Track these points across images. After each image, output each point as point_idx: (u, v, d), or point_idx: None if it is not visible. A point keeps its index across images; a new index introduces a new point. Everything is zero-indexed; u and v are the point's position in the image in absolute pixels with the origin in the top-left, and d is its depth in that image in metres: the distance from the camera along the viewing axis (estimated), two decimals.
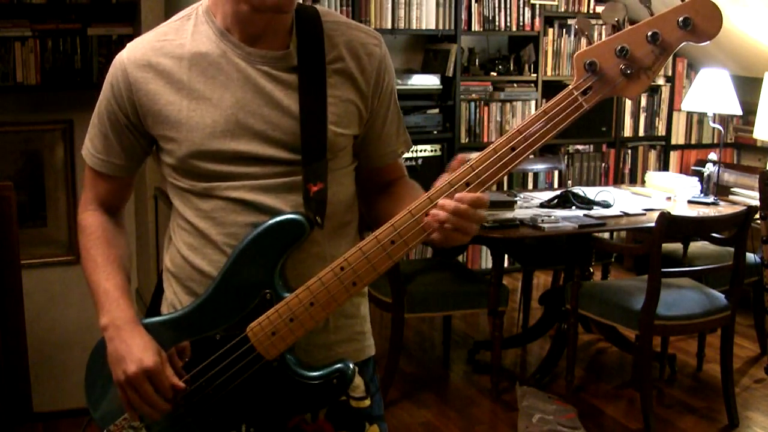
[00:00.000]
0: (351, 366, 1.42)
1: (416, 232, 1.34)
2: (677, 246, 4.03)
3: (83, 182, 1.59)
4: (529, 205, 3.96)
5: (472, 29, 5.23)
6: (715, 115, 4.70)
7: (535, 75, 5.45)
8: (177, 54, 1.42)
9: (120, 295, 1.46)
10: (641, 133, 5.82)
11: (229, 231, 1.43)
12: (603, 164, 5.74)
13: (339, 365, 1.42)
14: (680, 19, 1.26)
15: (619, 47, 1.28)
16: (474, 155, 1.35)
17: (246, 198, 1.41)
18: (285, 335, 1.40)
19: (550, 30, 5.46)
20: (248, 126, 1.40)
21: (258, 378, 1.43)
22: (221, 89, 1.41)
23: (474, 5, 5.20)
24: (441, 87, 5.13)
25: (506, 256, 4.70)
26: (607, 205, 3.96)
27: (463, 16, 5.17)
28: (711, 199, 4.19)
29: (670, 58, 5.73)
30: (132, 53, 1.44)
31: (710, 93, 4.47)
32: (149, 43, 1.44)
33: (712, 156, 4.57)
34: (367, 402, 1.56)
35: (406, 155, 1.79)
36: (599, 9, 5.55)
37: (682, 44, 1.28)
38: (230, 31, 1.42)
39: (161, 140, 1.45)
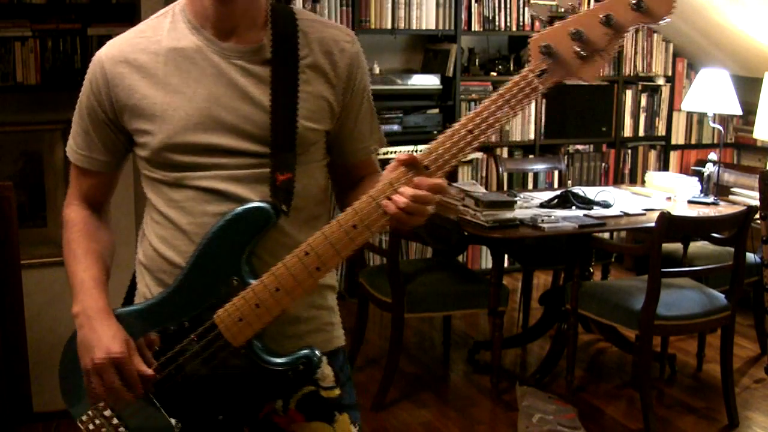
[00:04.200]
0: (317, 353, 1.44)
1: (378, 217, 1.37)
2: (677, 246, 4.03)
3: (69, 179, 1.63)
4: (529, 205, 3.96)
5: (472, 29, 5.23)
6: (715, 115, 4.70)
7: None
8: (153, 50, 1.46)
9: (94, 286, 1.50)
10: (641, 133, 5.82)
11: (199, 220, 1.45)
12: (603, 164, 5.74)
13: (305, 351, 1.44)
14: (633, 0, 1.29)
15: (574, 30, 1.30)
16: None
17: (216, 187, 1.44)
18: (251, 321, 1.42)
19: None
20: (221, 119, 1.44)
21: (226, 365, 1.45)
22: (195, 83, 1.44)
23: (474, 5, 5.20)
24: (441, 87, 5.14)
25: (506, 256, 4.70)
26: (607, 205, 3.96)
27: (463, 16, 5.17)
28: (711, 199, 4.19)
29: (670, 57, 5.74)
30: (109, 50, 1.49)
31: (710, 93, 4.47)
32: (126, 41, 1.49)
33: (712, 156, 4.57)
34: (337, 392, 1.58)
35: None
36: None
37: (635, 25, 1.31)
38: (204, 27, 1.46)
39: (136, 134, 1.48)
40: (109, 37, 4.16)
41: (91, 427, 1.54)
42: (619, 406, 3.70)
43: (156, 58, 1.45)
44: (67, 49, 3.78)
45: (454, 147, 1.35)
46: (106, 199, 1.63)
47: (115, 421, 1.52)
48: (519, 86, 1.33)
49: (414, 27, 5.09)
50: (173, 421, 1.49)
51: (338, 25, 1.58)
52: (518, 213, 3.71)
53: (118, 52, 1.48)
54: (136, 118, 1.46)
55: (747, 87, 5.08)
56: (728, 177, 4.94)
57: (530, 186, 5.52)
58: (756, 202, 3.65)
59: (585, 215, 3.77)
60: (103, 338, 1.44)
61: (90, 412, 1.53)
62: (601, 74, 5.63)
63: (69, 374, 1.56)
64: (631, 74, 5.72)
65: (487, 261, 5.43)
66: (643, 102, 5.78)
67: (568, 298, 3.63)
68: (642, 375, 3.40)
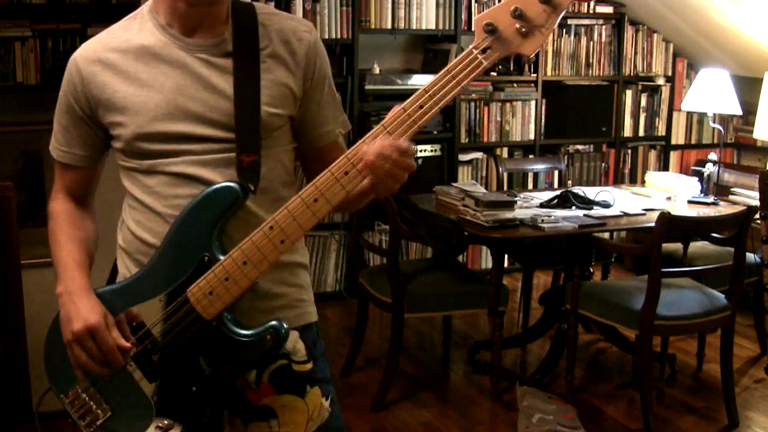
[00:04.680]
0: (285, 325, 1.51)
1: (336, 190, 1.46)
2: (677, 246, 4.03)
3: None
4: (529, 205, 3.96)
5: (472, 29, 5.21)
6: (715, 115, 4.70)
7: (535, 75, 5.45)
8: (123, 48, 1.57)
9: (75, 267, 1.60)
10: (641, 133, 5.82)
11: (172, 203, 1.55)
12: (603, 164, 5.74)
13: (273, 323, 1.51)
14: None
15: (514, 8, 1.38)
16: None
17: (186, 172, 1.54)
18: (221, 294, 1.49)
19: None
20: (187, 109, 1.54)
21: (198, 338, 1.52)
22: (163, 77, 1.54)
23: (474, 5, 5.20)
24: None
25: (506, 256, 4.70)
26: (607, 205, 3.96)
27: (463, 16, 5.17)
28: (711, 199, 4.19)
29: (670, 57, 5.73)
30: (83, 51, 1.60)
31: (710, 93, 4.47)
32: (99, 42, 1.60)
33: (712, 156, 4.57)
34: (309, 366, 1.67)
35: None
36: (599, 9, 5.55)
37: (572, 2, 1.37)
38: (171, 25, 1.56)
39: (111, 127, 1.58)
40: None
41: (75, 402, 1.62)
42: (619, 406, 3.70)
43: (126, 56, 1.56)
44: (67, 49, 3.77)
45: (406, 122, 1.44)
46: (89, 192, 1.72)
47: (96, 396, 1.60)
48: (464, 62, 1.41)
49: (414, 27, 5.09)
50: (150, 395, 1.56)
51: (297, 17, 1.70)
52: (518, 213, 3.71)
53: (91, 52, 1.59)
54: (109, 112, 1.56)
55: (747, 87, 5.08)
56: (728, 177, 4.94)
57: (530, 186, 5.52)
58: (756, 202, 3.65)
59: (585, 215, 3.77)
60: (82, 311, 1.53)
61: (72, 390, 1.62)
62: (601, 74, 5.64)
63: (53, 353, 1.64)
64: (631, 74, 5.72)
65: (487, 261, 5.43)
66: (643, 102, 5.78)
67: (568, 298, 3.63)
68: (642, 375, 3.40)
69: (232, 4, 1.59)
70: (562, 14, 1.38)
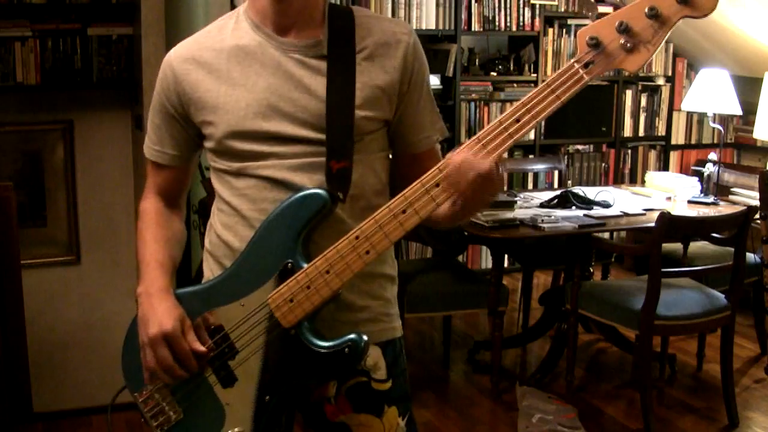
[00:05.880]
0: (364, 338, 1.47)
1: (426, 202, 1.41)
2: (677, 246, 4.03)
3: (144, 175, 1.74)
4: (529, 205, 3.96)
5: (472, 29, 5.23)
6: (715, 115, 4.70)
7: (535, 75, 5.45)
8: (217, 47, 1.57)
9: (157, 267, 1.59)
10: (641, 133, 5.82)
11: (260, 207, 1.53)
12: (603, 164, 5.74)
13: (352, 336, 1.47)
14: None
15: (619, 23, 1.32)
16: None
17: (275, 176, 1.52)
18: (301, 301, 1.47)
19: (550, 30, 5.46)
20: (278, 108, 1.52)
21: (276, 345, 1.50)
22: (255, 76, 1.53)
23: (474, 5, 5.20)
24: (441, 87, 5.13)
25: (506, 256, 4.70)
26: (607, 205, 3.96)
27: (463, 16, 5.18)
28: (711, 199, 4.19)
29: (670, 57, 5.72)
30: (177, 50, 1.61)
31: (710, 93, 4.47)
32: (194, 41, 1.61)
33: (712, 156, 4.57)
34: (388, 384, 1.62)
35: None
36: (600, 9, 5.55)
37: (681, 18, 1.30)
38: (264, 24, 1.55)
39: (203, 126, 1.58)
40: (110, 37, 4.19)
41: (148, 402, 1.62)
42: (619, 406, 3.70)
43: (220, 55, 1.56)
44: (67, 49, 3.77)
45: (501, 135, 1.38)
46: (179, 193, 1.73)
47: (169, 397, 1.59)
48: (565, 76, 1.36)
49: (414, 27, 5.09)
50: (224, 401, 1.54)
51: (395, 19, 1.68)
52: (518, 213, 3.71)
53: (185, 51, 1.59)
54: (201, 110, 1.56)
55: (747, 87, 5.08)
56: (728, 177, 4.94)
57: (530, 186, 5.52)
58: (756, 202, 3.66)
59: (585, 215, 3.77)
60: (158, 314, 1.52)
61: (146, 389, 1.61)
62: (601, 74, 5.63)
63: (130, 351, 1.63)
64: (631, 74, 5.72)
65: (487, 261, 5.43)
66: (643, 102, 5.78)
67: (568, 298, 3.63)
68: (642, 375, 3.40)
69: (329, 6, 1.57)
70: (672, 29, 1.31)
